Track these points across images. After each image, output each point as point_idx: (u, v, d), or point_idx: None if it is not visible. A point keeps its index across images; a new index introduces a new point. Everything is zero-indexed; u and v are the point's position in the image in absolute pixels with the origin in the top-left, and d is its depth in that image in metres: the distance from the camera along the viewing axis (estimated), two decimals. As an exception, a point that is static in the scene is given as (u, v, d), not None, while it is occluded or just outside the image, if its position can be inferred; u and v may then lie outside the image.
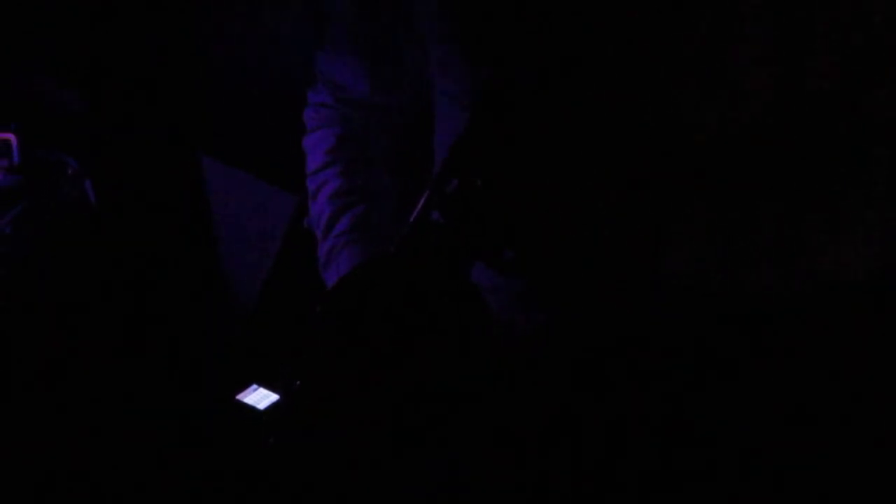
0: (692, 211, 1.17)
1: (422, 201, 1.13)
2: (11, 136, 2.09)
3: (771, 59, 1.11)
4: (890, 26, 1.11)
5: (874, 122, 1.15)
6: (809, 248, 1.17)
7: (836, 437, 1.21)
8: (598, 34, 1.14)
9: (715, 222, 1.17)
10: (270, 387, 1.79)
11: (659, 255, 1.18)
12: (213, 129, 2.21)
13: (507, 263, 1.23)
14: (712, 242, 1.17)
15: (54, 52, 2.14)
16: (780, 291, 1.18)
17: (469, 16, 1.22)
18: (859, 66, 1.12)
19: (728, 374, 1.21)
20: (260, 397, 1.79)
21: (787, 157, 1.15)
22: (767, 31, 1.10)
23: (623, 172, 1.17)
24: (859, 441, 1.21)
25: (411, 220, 1.13)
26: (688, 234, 1.17)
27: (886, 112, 1.14)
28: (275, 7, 2.15)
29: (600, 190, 1.18)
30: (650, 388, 1.22)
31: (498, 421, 1.24)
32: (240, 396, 1.78)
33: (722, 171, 1.15)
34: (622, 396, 1.23)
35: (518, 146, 1.15)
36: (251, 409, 1.76)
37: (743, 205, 1.16)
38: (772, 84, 1.12)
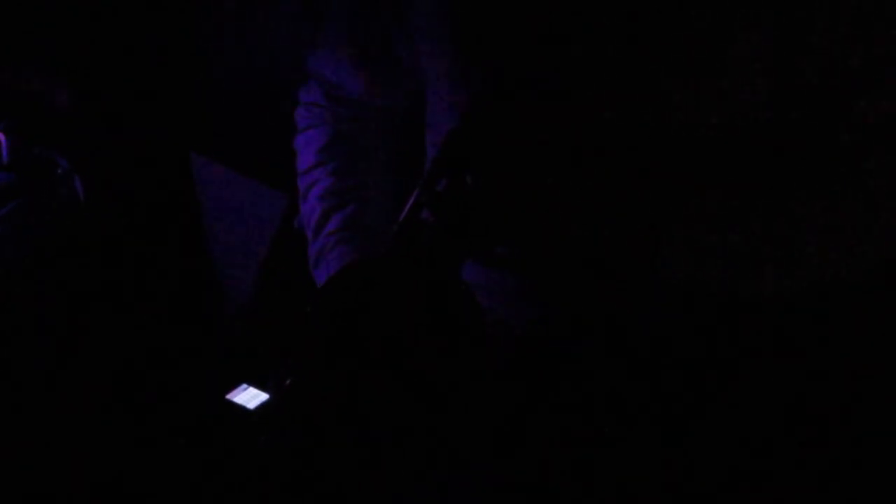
0: (691, 210, 1.16)
1: (411, 200, 1.13)
2: (0, 135, 2.08)
3: (770, 58, 1.11)
4: (889, 26, 1.11)
5: (873, 121, 1.15)
6: (809, 247, 1.17)
7: (836, 437, 1.21)
8: (597, 34, 1.14)
9: (714, 222, 1.17)
10: (260, 386, 1.78)
11: (657, 255, 1.18)
12: (204, 127, 2.21)
13: (498, 261, 1.23)
14: (711, 241, 1.17)
15: (45, 50, 2.14)
16: (779, 291, 1.18)
17: (463, 15, 1.22)
18: (859, 65, 1.12)
19: (727, 373, 1.21)
20: (250, 397, 1.78)
21: (786, 157, 1.15)
22: (767, 30, 1.10)
23: (621, 171, 1.17)
24: (859, 441, 1.21)
25: (401, 218, 1.13)
26: (686, 234, 1.17)
27: (885, 112, 1.14)
28: (267, 6, 2.15)
29: (597, 189, 1.18)
30: (648, 387, 1.22)
31: (491, 419, 1.24)
32: (230, 396, 1.78)
33: (721, 170, 1.15)
34: (619, 396, 1.22)
35: (509, 144, 1.15)
36: (241, 409, 1.76)
37: (742, 204, 1.16)
38: (771, 84, 1.12)
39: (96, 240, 2.08)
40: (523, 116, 1.15)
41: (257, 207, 2.18)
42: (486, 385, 1.18)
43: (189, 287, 2.13)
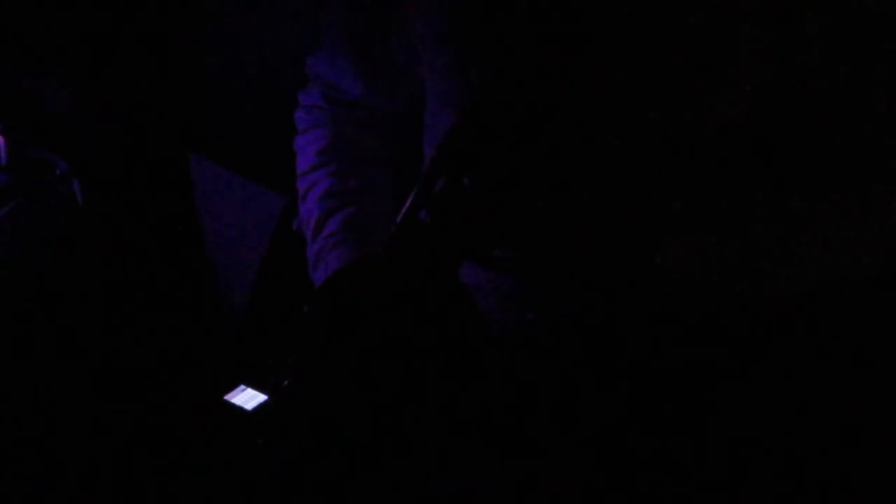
0: (688, 209, 1.17)
1: (409, 201, 1.13)
2: (-1, 136, 2.08)
3: (770, 58, 1.11)
4: (889, 25, 1.11)
5: (872, 121, 1.15)
6: (809, 248, 1.17)
7: (836, 437, 1.21)
8: (593, 34, 1.14)
9: (711, 221, 1.17)
10: (258, 387, 1.79)
11: (654, 254, 1.18)
12: (204, 129, 2.21)
13: (496, 262, 1.23)
14: (709, 241, 1.17)
15: (43, 51, 2.14)
16: (778, 292, 1.18)
17: (461, 16, 1.22)
18: (858, 65, 1.12)
19: (726, 373, 1.21)
20: (248, 398, 1.78)
21: (784, 156, 1.15)
22: (767, 30, 1.10)
23: (617, 170, 1.17)
24: (859, 441, 1.21)
25: (398, 219, 1.13)
26: (684, 233, 1.17)
27: (885, 112, 1.14)
28: (267, 8, 2.15)
29: (593, 188, 1.18)
30: (646, 387, 1.22)
31: (488, 420, 1.24)
32: (227, 397, 1.78)
33: (719, 169, 1.16)
34: (616, 396, 1.22)
35: (506, 145, 1.15)
36: (239, 410, 1.76)
37: (740, 203, 1.16)
38: (770, 83, 1.12)
39: (94, 241, 2.08)
40: (521, 117, 1.15)
41: (256, 209, 2.18)
42: (482, 387, 1.18)
43: (187, 288, 2.13)
